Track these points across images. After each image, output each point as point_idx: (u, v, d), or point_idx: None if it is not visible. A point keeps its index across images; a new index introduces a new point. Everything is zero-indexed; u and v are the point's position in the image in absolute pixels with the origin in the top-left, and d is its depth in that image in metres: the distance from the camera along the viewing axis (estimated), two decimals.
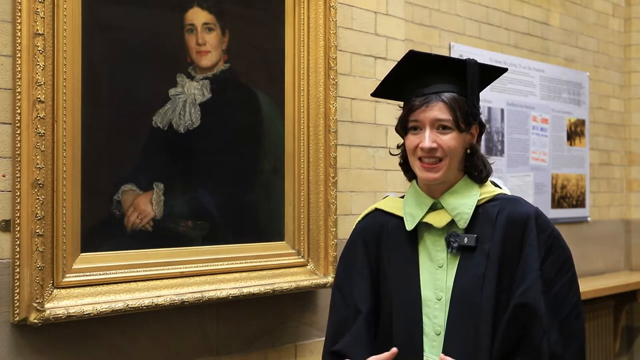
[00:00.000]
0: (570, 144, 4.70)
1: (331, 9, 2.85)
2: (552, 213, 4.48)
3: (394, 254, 1.91)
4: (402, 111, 1.90)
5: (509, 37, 4.22)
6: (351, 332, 1.88)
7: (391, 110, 3.16)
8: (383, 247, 1.93)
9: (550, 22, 4.53)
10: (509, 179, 4.17)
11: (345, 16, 3.01)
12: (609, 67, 5.02)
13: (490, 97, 4.02)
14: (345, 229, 2.96)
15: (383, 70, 3.15)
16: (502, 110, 4.16)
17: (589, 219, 4.83)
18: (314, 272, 2.81)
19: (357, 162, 3.06)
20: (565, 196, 4.64)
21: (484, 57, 3.83)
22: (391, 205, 1.97)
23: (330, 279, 2.81)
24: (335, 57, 2.86)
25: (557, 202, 4.57)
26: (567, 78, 4.65)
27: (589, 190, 4.84)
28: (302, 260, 2.81)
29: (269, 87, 2.76)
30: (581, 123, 4.79)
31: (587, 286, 4.33)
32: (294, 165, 2.79)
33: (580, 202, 4.76)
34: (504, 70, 1.98)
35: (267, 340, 2.75)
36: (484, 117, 3.95)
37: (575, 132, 4.74)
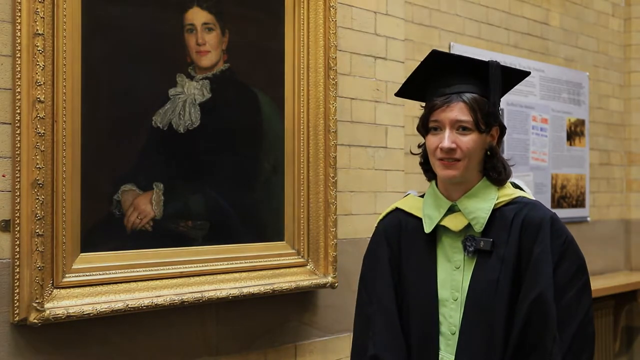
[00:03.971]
0: (570, 144, 4.70)
1: (331, 9, 2.85)
2: None
3: (412, 253, 1.94)
4: (423, 110, 1.91)
5: (509, 37, 4.22)
6: (384, 333, 1.89)
7: (391, 110, 3.16)
8: (403, 246, 1.95)
9: (550, 22, 4.53)
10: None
11: (345, 16, 3.01)
12: (609, 67, 5.02)
13: None
14: (346, 229, 2.96)
15: (383, 70, 3.15)
16: (502, 110, 4.16)
17: (588, 219, 4.83)
18: (314, 272, 2.81)
19: (357, 162, 3.06)
20: (565, 196, 4.64)
21: (484, 57, 3.82)
22: (411, 205, 1.99)
23: (330, 278, 2.81)
24: (335, 57, 2.86)
25: (557, 202, 4.57)
26: (567, 78, 4.65)
27: (588, 190, 4.84)
28: (302, 260, 2.81)
29: (269, 87, 2.76)
30: (581, 123, 4.79)
31: None
32: (294, 165, 2.79)
33: (580, 202, 4.76)
34: (527, 73, 1.98)
35: (267, 340, 2.75)
36: None
37: (575, 132, 4.74)
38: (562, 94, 4.62)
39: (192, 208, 2.53)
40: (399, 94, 2.05)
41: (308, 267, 2.81)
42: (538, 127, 4.43)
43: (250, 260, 2.66)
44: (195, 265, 2.50)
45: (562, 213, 4.59)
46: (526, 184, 2.03)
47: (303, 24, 2.81)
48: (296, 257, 2.80)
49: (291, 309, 2.82)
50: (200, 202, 2.55)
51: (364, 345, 1.92)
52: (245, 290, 2.59)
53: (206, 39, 2.56)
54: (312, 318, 2.89)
